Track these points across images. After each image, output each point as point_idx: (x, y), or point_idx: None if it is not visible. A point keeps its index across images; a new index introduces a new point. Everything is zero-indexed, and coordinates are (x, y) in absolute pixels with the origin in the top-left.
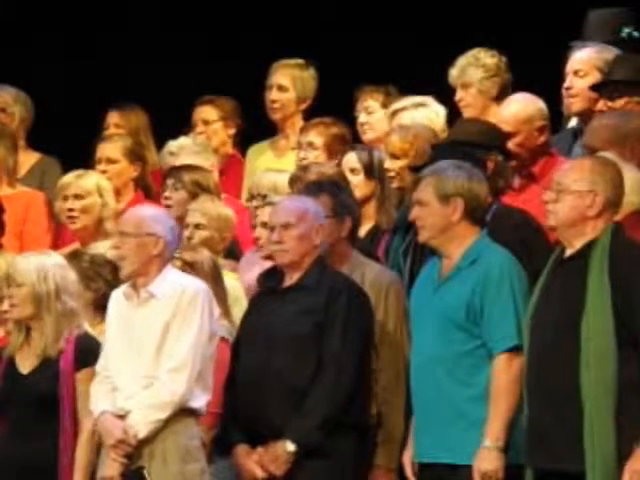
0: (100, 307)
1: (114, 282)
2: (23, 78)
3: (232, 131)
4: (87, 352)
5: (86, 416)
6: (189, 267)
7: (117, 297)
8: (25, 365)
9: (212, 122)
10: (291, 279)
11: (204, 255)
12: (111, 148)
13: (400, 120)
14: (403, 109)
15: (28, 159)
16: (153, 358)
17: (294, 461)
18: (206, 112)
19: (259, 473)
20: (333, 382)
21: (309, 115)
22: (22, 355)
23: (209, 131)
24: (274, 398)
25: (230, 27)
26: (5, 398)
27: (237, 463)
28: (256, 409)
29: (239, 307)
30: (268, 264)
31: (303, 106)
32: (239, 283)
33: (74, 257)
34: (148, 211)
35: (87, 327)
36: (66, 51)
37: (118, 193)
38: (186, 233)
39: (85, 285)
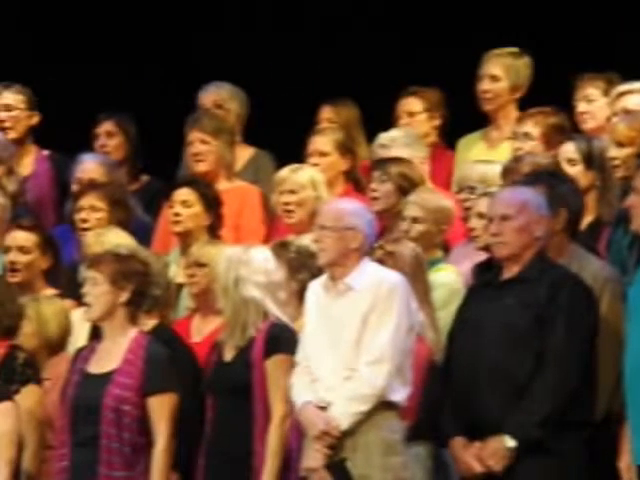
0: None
1: (319, 274)
2: (242, 75)
3: (437, 122)
4: (277, 340)
5: (277, 403)
6: (389, 257)
7: (314, 288)
8: (228, 353)
9: (417, 114)
10: (510, 272)
11: (407, 247)
12: (323, 141)
13: (625, 103)
14: (629, 92)
15: (243, 154)
16: (352, 350)
17: (513, 457)
18: (411, 104)
19: (477, 467)
20: (557, 380)
21: (523, 105)
22: (228, 344)
23: (414, 123)
24: (491, 392)
25: (439, 15)
26: (210, 385)
27: (454, 455)
28: (471, 401)
29: (457, 300)
30: (481, 256)
31: (517, 95)
32: (457, 276)
33: (281, 247)
34: (347, 205)
35: (278, 314)
36: (278, 47)
37: (329, 185)
38: (403, 226)
39: (290, 275)
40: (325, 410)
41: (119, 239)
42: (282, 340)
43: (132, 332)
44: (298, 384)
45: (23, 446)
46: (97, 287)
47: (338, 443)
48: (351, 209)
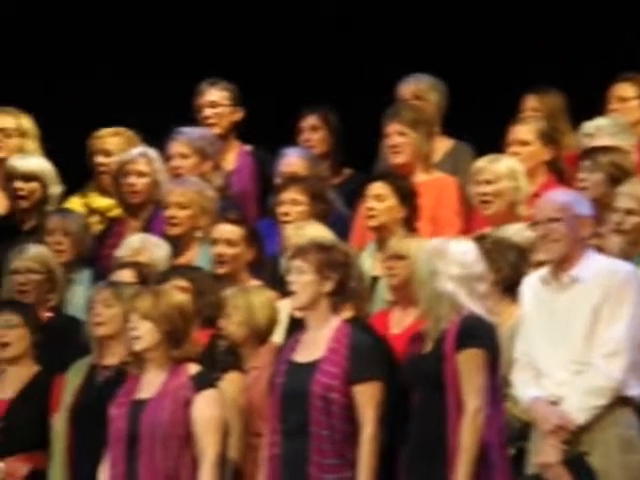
0: (507, 289)
1: (519, 266)
2: (441, 65)
3: None
4: (469, 333)
5: (470, 397)
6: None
7: (531, 282)
8: (427, 345)
9: (629, 99)
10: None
11: (612, 241)
12: (524, 130)
13: None
14: None
15: (442, 145)
16: (582, 343)
17: None
18: (624, 89)
19: None
20: None
21: None
22: (428, 336)
23: (625, 109)
24: None
25: None
26: (406, 376)
27: None
28: None
29: None
30: None
31: None
32: None
33: (479, 239)
34: (569, 194)
35: (473, 307)
36: (478, 37)
37: (529, 176)
38: (615, 218)
39: (488, 267)
40: (557, 405)
41: (318, 233)
42: (475, 333)
43: (335, 321)
44: (521, 380)
45: (228, 433)
46: (303, 276)
47: (573, 438)
48: (574, 198)
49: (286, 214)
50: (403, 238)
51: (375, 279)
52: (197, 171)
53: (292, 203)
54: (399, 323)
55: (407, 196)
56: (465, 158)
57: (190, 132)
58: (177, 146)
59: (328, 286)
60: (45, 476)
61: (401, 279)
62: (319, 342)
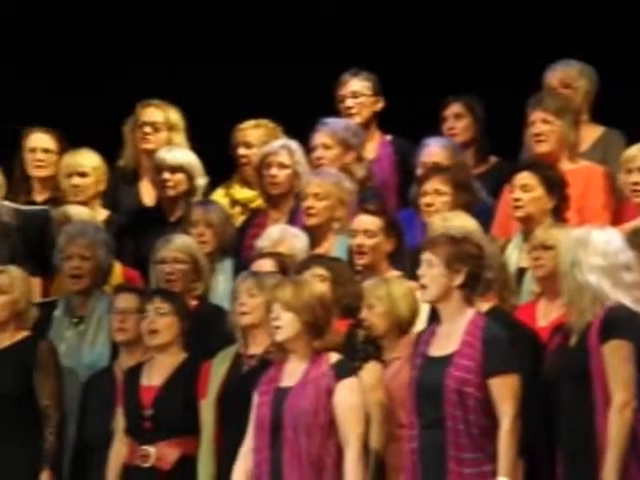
0: None
1: None
2: (592, 51)
3: None
4: (614, 324)
5: (617, 390)
6: None
7: None
8: (573, 338)
9: None
10: None
11: None
12: None
13: None
14: None
15: (592, 133)
16: None
17: None
18: None
19: None
20: None
21: None
22: (573, 328)
23: None
24: None
25: None
26: (553, 369)
27: None
28: None
29: None
30: None
31: None
32: None
33: (635, 234)
34: None
35: (619, 297)
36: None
37: None
38: None
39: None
40: None
41: (464, 223)
42: (619, 324)
43: (469, 314)
44: None
45: (368, 422)
46: (433, 269)
47: None
48: None
49: (429, 205)
50: (549, 228)
51: (522, 270)
52: (340, 162)
53: (436, 193)
54: (546, 315)
55: (555, 186)
56: (616, 146)
57: (334, 123)
58: (320, 137)
59: (458, 279)
60: (194, 462)
61: (547, 270)
62: (453, 335)
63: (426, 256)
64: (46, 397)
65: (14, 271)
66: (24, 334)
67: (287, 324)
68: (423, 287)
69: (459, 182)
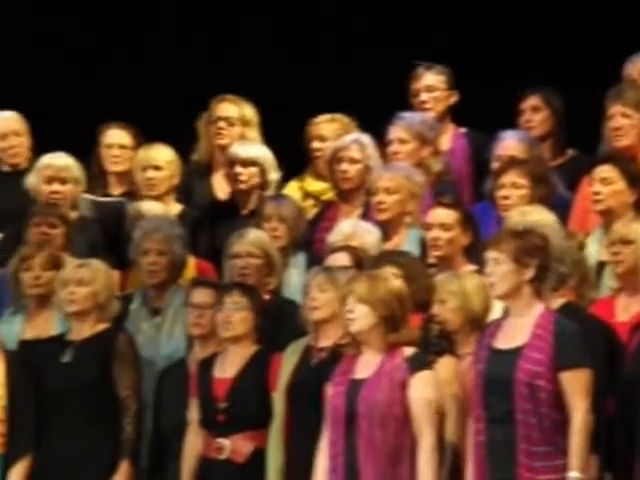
0: None
1: None
2: None
3: None
4: None
5: None
6: None
7: None
8: None
9: None
10: None
11: None
12: None
13: None
14: None
15: None
16: None
17: None
18: None
19: None
20: None
21: None
22: None
23: None
24: None
25: None
26: (633, 369)
27: None
28: None
29: None
30: None
31: None
32: None
33: None
34: None
35: None
36: None
37: None
38: None
39: None
40: None
41: (541, 216)
42: None
43: (539, 308)
44: None
45: (444, 415)
46: (500, 266)
47: None
48: None
49: (506, 198)
50: (629, 222)
51: (602, 264)
52: (416, 156)
53: (513, 186)
54: (625, 310)
55: (636, 179)
56: None
57: (410, 117)
58: (396, 131)
59: (529, 273)
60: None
61: (627, 265)
62: (521, 328)
63: (492, 254)
64: (125, 388)
65: (96, 264)
66: (104, 326)
67: (361, 316)
68: (492, 285)
69: (537, 175)
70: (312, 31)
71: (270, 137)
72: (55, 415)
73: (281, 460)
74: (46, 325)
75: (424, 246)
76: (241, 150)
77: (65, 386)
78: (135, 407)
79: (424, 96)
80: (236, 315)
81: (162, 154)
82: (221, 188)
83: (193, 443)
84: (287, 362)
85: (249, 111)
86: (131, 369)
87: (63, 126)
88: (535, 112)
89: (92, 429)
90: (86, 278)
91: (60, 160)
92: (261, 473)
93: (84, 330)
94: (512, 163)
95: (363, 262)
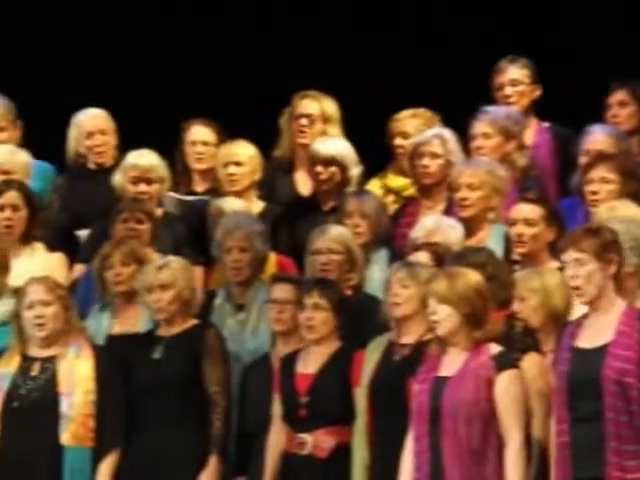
0: None
1: None
2: None
3: None
4: None
5: None
6: None
7: None
8: None
9: None
10: None
11: None
12: None
13: None
14: None
15: None
16: None
17: None
18: None
19: None
20: None
21: None
22: None
23: None
24: None
25: None
26: None
27: None
28: None
29: None
30: None
31: None
32: None
33: None
34: None
35: None
36: None
37: None
38: None
39: None
40: None
41: (630, 212)
42: None
43: (621, 305)
44: None
45: (530, 414)
46: (584, 267)
47: None
48: None
49: (595, 193)
50: None
51: None
52: (500, 151)
53: (602, 181)
54: None
55: None
56: None
57: (495, 111)
58: (480, 126)
59: (612, 269)
60: (350, 451)
61: None
62: (605, 326)
63: (572, 256)
64: (214, 383)
65: (175, 262)
66: (192, 322)
67: (445, 318)
68: (577, 289)
69: (626, 170)
70: (393, 27)
71: (352, 133)
72: (144, 410)
73: (367, 456)
74: (134, 321)
75: (508, 242)
76: (322, 149)
77: (155, 382)
78: (224, 403)
79: (508, 90)
80: (317, 317)
81: (243, 150)
82: (303, 184)
83: (276, 438)
84: (369, 358)
85: (330, 107)
86: (220, 365)
87: (147, 123)
88: (622, 107)
89: (181, 424)
90: (167, 281)
91: (145, 160)
92: (343, 468)
93: (174, 327)
94: (601, 158)
95: (444, 259)
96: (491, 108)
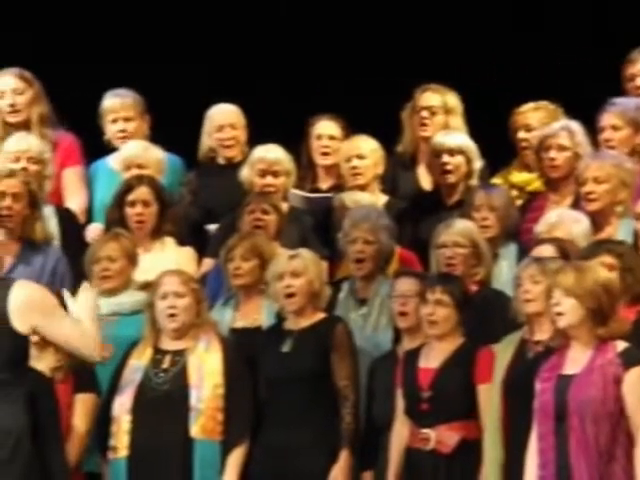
0: None
1: None
2: None
3: None
4: None
5: None
6: None
7: None
8: None
9: None
10: None
11: None
12: None
13: None
14: None
15: None
16: None
17: None
18: None
19: None
20: None
21: None
22: None
23: None
24: None
25: None
26: None
27: None
28: None
29: None
30: None
31: None
32: None
33: None
34: None
35: None
36: None
37: None
38: None
39: None
40: None
41: None
42: None
43: None
44: None
45: None
46: None
47: None
48: None
49: None
50: None
51: None
52: (630, 143)
53: None
54: None
55: None
56: None
57: (624, 103)
58: (609, 118)
59: None
60: (473, 446)
61: None
62: None
63: None
64: (343, 378)
65: (306, 253)
66: (321, 315)
67: (569, 310)
68: None
69: None
70: (518, 21)
71: (474, 130)
72: (273, 404)
73: (499, 453)
74: (256, 315)
75: (637, 237)
76: (447, 139)
77: (285, 375)
78: (353, 397)
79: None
80: (439, 313)
81: (365, 143)
82: (426, 179)
83: (399, 432)
84: (502, 356)
85: (452, 99)
86: (349, 359)
87: (275, 120)
88: None
89: (311, 418)
90: (299, 269)
91: (272, 153)
92: (467, 464)
93: (302, 320)
94: None
95: (570, 253)
96: (620, 100)
